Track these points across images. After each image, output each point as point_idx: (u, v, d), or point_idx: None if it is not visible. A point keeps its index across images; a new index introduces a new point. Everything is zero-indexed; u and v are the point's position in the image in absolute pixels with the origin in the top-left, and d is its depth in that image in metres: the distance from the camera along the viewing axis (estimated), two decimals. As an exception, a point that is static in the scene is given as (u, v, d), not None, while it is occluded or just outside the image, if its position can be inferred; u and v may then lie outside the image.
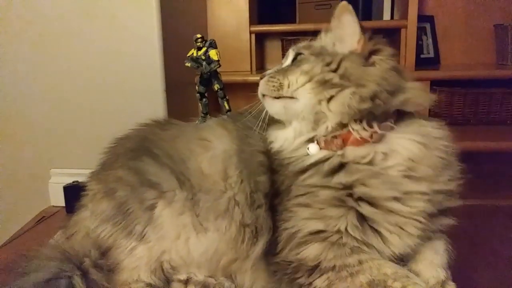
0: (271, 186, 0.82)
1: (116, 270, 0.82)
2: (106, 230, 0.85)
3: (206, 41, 1.05)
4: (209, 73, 1.03)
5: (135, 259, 0.83)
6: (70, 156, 1.62)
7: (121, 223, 0.84)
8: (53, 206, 1.61)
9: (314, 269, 0.74)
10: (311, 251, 0.74)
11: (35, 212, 1.56)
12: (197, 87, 1.05)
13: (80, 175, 1.51)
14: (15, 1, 1.52)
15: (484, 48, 2.37)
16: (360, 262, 0.73)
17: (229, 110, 1.02)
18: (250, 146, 0.86)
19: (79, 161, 1.60)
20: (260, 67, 2.49)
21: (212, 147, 0.88)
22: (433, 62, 2.38)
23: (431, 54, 2.40)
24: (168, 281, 0.86)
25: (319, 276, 0.73)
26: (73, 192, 1.37)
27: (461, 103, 2.06)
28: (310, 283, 0.74)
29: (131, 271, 0.83)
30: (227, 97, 1.04)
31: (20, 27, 1.54)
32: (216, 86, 1.05)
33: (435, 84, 2.05)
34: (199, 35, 1.04)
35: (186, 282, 0.85)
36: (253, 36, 2.34)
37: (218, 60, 1.03)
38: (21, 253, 0.82)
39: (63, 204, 1.54)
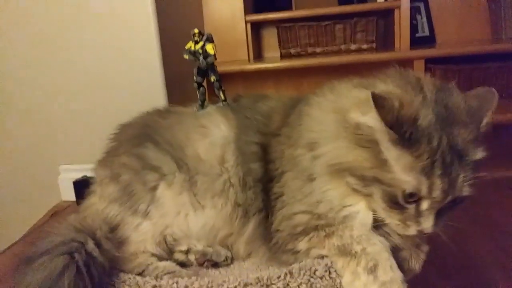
0: (265, 173, 0.89)
1: (125, 243, 0.90)
2: (114, 210, 0.92)
3: (203, 35, 1.09)
4: (205, 66, 1.08)
5: (141, 234, 0.91)
6: (78, 152, 1.67)
7: (127, 203, 0.91)
8: (64, 201, 1.66)
9: (301, 233, 0.80)
10: (301, 219, 0.80)
11: (47, 208, 1.61)
12: (195, 78, 1.10)
13: (88, 170, 1.56)
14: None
15: (479, 24, 2.38)
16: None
17: (225, 100, 1.07)
18: (247, 136, 0.93)
19: (87, 157, 1.65)
20: (257, 56, 2.52)
21: (210, 134, 0.95)
22: (429, 41, 2.39)
23: (427, 33, 2.41)
24: (171, 251, 0.94)
25: (302, 239, 0.80)
26: (83, 187, 1.43)
27: (455, 80, 2.07)
28: (296, 246, 0.80)
29: (138, 243, 0.90)
30: (223, 88, 1.09)
31: (21, 24, 1.57)
32: (213, 78, 1.09)
33: (430, 62, 2.07)
34: (196, 30, 1.08)
35: (187, 252, 0.93)
36: (248, 25, 2.37)
37: (214, 54, 1.08)
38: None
39: (74, 199, 1.59)
